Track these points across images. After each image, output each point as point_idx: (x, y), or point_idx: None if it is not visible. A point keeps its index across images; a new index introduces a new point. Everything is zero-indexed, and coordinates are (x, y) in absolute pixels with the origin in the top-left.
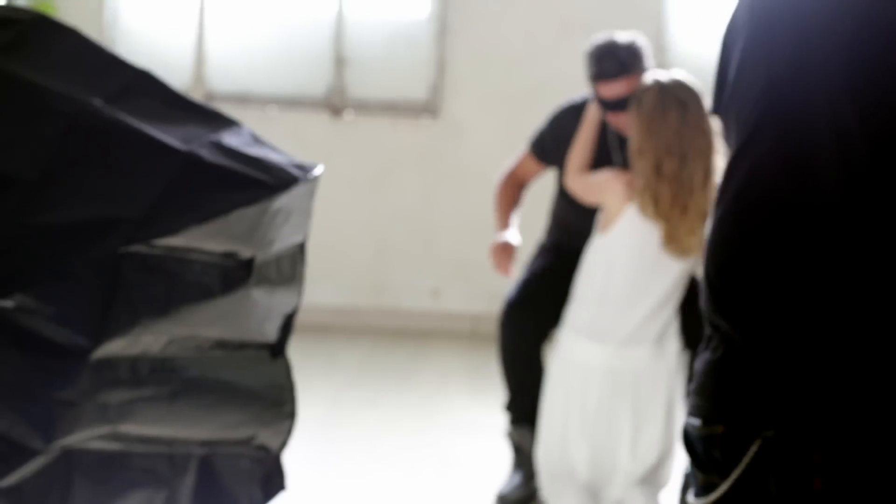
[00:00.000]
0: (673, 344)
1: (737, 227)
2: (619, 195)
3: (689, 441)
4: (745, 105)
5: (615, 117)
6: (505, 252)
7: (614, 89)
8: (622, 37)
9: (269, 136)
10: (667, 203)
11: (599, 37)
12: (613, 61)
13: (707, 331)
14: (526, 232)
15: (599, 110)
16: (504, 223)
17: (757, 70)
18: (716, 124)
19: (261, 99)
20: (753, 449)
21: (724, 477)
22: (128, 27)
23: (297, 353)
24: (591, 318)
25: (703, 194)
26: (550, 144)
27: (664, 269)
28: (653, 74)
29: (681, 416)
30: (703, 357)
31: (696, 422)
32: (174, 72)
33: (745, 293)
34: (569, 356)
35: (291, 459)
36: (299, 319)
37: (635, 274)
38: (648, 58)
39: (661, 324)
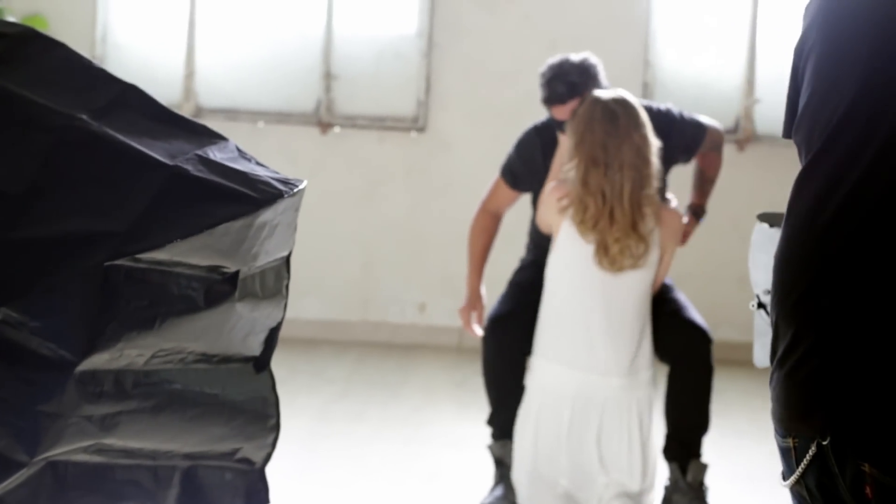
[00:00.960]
0: (645, 373)
1: (826, 239)
2: (554, 209)
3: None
4: (820, 119)
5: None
6: (470, 318)
7: (565, 112)
8: (574, 57)
9: (259, 151)
10: (593, 214)
11: (552, 59)
12: (563, 84)
13: (783, 345)
14: (509, 245)
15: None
16: (474, 275)
17: (830, 85)
18: (654, 139)
19: (250, 114)
20: (809, 455)
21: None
22: (119, 42)
23: (285, 366)
24: (554, 339)
25: (633, 206)
26: (520, 170)
27: (612, 287)
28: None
29: (657, 435)
30: (783, 373)
31: (777, 436)
32: (164, 87)
33: (832, 305)
34: (540, 380)
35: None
36: (286, 333)
37: (581, 292)
38: (599, 76)
39: (630, 351)
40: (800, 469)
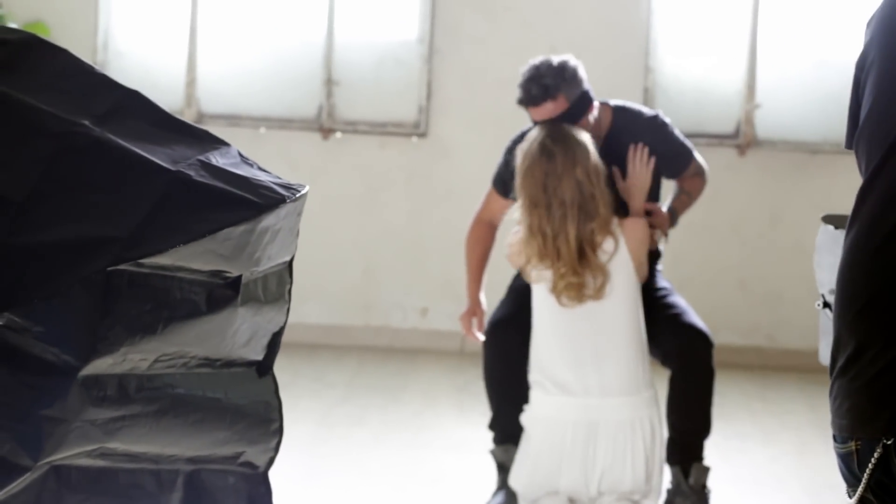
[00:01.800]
0: (646, 392)
1: (886, 250)
2: (517, 252)
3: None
4: (879, 132)
5: None
6: (471, 324)
7: (540, 113)
8: (555, 59)
9: (260, 157)
10: (538, 252)
11: (533, 60)
12: (536, 86)
13: (845, 354)
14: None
15: None
16: (473, 284)
17: (889, 99)
18: (599, 167)
19: (252, 120)
20: (876, 456)
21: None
22: (120, 49)
23: (287, 371)
24: (547, 370)
25: (580, 242)
26: (509, 177)
27: (593, 313)
28: (540, 125)
29: (661, 446)
30: (845, 380)
31: (836, 443)
32: (166, 93)
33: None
34: (538, 412)
35: (280, 476)
36: (288, 338)
37: (562, 323)
38: (578, 78)
39: (622, 371)
40: (868, 470)
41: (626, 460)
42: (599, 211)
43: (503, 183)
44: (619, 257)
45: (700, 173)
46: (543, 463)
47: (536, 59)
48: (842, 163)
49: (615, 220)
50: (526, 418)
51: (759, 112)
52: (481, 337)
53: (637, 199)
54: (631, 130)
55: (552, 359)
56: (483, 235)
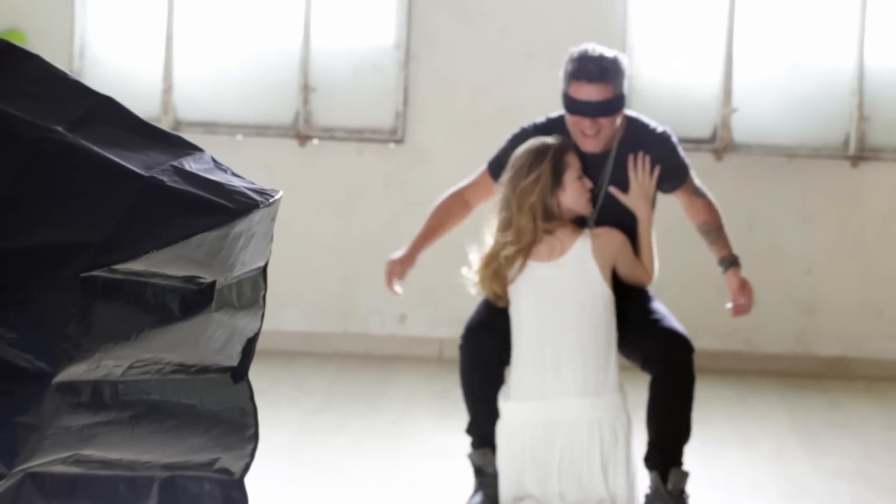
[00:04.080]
0: (611, 396)
1: None
2: (487, 279)
3: None
4: None
5: (574, 120)
6: (393, 270)
7: (588, 92)
8: (608, 51)
9: (237, 164)
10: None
11: (585, 45)
12: (595, 65)
13: None
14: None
15: (566, 114)
16: (420, 240)
17: None
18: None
19: (228, 127)
20: None
21: None
22: (97, 57)
23: (265, 378)
24: (515, 378)
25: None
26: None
27: (560, 313)
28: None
29: (626, 450)
30: None
31: None
32: (142, 101)
33: None
34: (504, 418)
35: (260, 483)
36: (266, 345)
37: (527, 329)
38: (625, 75)
39: (584, 372)
40: None
41: (583, 461)
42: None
43: (499, 169)
44: (586, 265)
45: (699, 194)
46: (510, 469)
47: (589, 44)
48: (818, 167)
49: (586, 231)
50: (497, 425)
51: (736, 116)
52: (398, 290)
53: (643, 208)
54: (641, 142)
55: (518, 363)
56: (453, 206)
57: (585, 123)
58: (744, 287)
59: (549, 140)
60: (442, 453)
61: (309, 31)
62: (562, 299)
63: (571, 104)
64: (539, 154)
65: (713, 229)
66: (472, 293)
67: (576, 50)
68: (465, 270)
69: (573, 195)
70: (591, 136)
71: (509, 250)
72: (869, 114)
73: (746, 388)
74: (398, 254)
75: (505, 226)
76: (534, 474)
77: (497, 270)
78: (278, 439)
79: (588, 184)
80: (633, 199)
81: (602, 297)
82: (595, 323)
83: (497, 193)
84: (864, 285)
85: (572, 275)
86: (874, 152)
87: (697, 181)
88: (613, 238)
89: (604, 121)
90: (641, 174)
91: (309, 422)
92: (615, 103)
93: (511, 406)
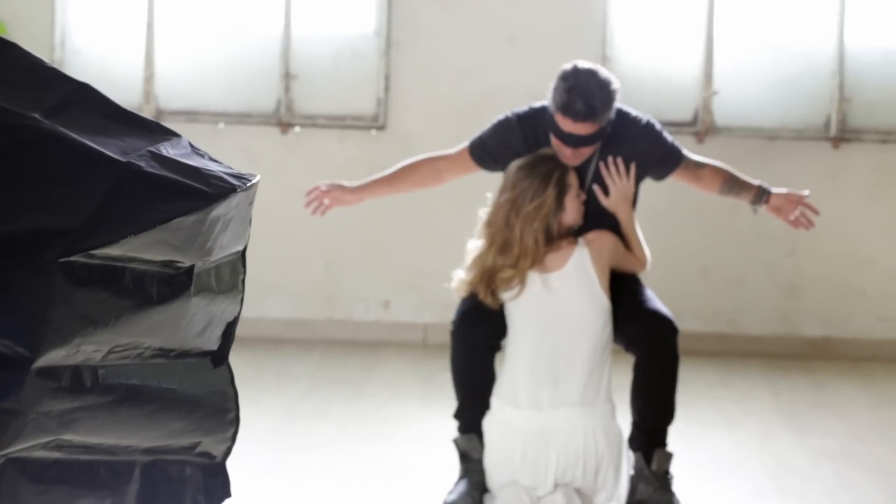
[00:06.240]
0: (603, 406)
1: None
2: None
3: None
4: None
5: (558, 146)
6: (333, 192)
7: (574, 128)
8: (601, 73)
9: (219, 152)
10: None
11: (582, 64)
12: (584, 104)
13: None
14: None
15: (553, 137)
16: (374, 184)
17: None
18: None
19: (210, 115)
20: None
21: None
22: (77, 47)
23: (250, 365)
24: (506, 384)
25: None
26: (493, 152)
27: (549, 335)
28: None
29: (618, 455)
30: None
31: None
32: (124, 90)
33: None
34: (497, 417)
35: (245, 469)
36: (252, 332)
37: (528, 336)
38: (615, 103)
39: (576, 383)
40: None
41: (578, 465)
42: (514, 251)
43: (483, 152)
44: (585, 275)
45: (701, 166)
46: (500, 465)
47: (584, 66)
48: (800, 149)
49: (580, 240)
50: (486, 420)
51: (717, 99)
52: (326, 202)
53: (624, 210)
54: (627, 136)
55: (513, 372)
56: (423, 172)
57: (567, 152)
58: (788, 201)
59: (551, 161)
60: (427, 438)
61: (290, 19)
62: (562, 312)
63: (556, 131)
64: (543, 178)
65: (732, 185)
66: (459, 296)
67: (569, 73)
68: (455, 283)
69: (572, 213)
70: (570, 158)
71: (508, 273)
72: (850, 95)
73: (731, 370)
74: (349, 184)
75: (504, 248)
76: (525, 478)
77: (494, 289)
78: (264, 426)
79: (583, 196)
80: (613, 203)
81: (602, 308)
82: (595, 335)
83: (470, 170)
84: (846, 266)
85: (573, 285)
86: (855, 133)
87: (693, 155)
88: (606, 241)
89: (585, 149)
90: (618, 178)
91: (294, 408)
92: (599, 135)
93: (503, 407)
